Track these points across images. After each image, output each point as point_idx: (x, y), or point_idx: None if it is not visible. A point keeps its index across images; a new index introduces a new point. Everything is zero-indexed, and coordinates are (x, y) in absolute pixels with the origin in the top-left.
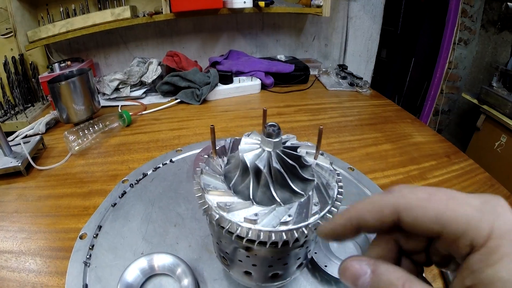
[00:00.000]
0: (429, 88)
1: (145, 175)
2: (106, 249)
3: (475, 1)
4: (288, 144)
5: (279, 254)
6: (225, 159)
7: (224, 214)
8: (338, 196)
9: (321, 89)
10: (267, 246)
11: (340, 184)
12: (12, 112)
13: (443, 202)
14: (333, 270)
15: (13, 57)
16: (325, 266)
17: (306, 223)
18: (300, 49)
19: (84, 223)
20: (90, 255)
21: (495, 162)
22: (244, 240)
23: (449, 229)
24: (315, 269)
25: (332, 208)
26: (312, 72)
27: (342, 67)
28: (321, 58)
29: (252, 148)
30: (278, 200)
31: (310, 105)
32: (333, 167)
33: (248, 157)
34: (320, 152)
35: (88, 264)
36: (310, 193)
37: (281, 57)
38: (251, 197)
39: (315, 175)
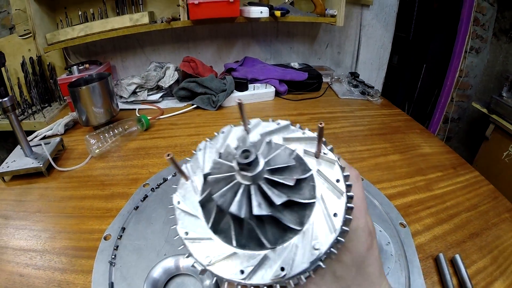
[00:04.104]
0: (440, 96)
1: (165, 180)
2: (130, 249)
3: (488, 10)
4: (273, 144)
5: None
6: (201, 178)
7: (209, 268)
8: (343, 227)
9: (333, 97)
10: None
11: (349, 205)
12: (30, 111)
13: None
14: None
15: (30, 58)
16: None
17: (304, 269)
18: (314, 57)
19: (108, 224)
20: (115, 255)
21: (503, 172)
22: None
23: None
24: None
25: (339, 238)
26: (324, 80)
27: (354, 75)
28: (334, 66)
29: (224, 180)
30: (268, 245)
31: (322, 114)
32: (342, 173)
33: (220, 200)
34: (324, 151)
35: (113, 264)
36: (308, 225)
37: (295, 64)
38: (233, 243)
39: (316, 190)
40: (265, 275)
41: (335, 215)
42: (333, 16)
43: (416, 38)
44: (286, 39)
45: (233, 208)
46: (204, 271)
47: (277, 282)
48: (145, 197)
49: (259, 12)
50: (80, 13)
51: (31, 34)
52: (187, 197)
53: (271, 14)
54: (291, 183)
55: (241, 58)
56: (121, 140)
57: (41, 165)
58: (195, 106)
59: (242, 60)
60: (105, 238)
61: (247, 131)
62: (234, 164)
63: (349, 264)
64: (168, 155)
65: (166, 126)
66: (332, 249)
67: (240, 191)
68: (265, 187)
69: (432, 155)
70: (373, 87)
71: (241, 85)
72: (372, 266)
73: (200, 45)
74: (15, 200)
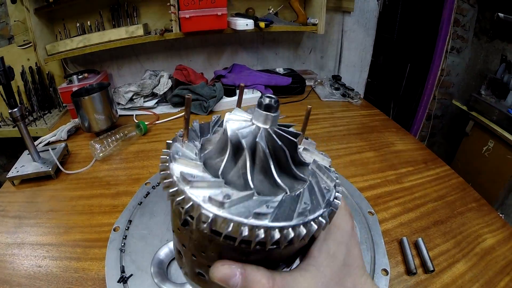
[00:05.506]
0: (422, 94)
1: None
2: (137, 238)
3: (469, 11)
4: None
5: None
6: (198, 144)
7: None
8: (335, 200)
9: (315, 100)
10: (236, 243)
11: (338, 189)
12: (31, 118)
13: None
14: None
15: (30, 67)
16: None
17: (322, 212)
18: (298, 61)
19: (116, 218)
20: (124, 243)
21: (482, 166)
22: (204, 228)
23: None
24: None
25: (331, 208)
26: (308, 83)
27: (336, 78)
28: (317, 69)
29: (242, 126)
30: (283, 186)
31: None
32: (323, 156)
33: (243, 134)
34: (305, 137)
35: (123, 251)
36: (311, 178)
37: (280, 69)
38: (250, 184)
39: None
40: (290, 214)
41: (330, 171)
42: (314, 24)
43: (400, 38)
44: (271, 45)
45: (259, 139)
46: (214, 221)
47: (303, 218)
48: (147, 194)
49: (244, 24)
50: (78, 24)
51: (30, 44)
52: (184, 154)
53: (256, 25)
54: (300, 132)
55: (230, 64)
56: (122, 144)
57: (50, 169)
58: None
59: (231, 67)
60: (114, 230)
61: None
62: (257, 108)
63: (340, 240)
64: (188, 95)
65: (162, 130)
66: (321, 218)
67: (259, 131)
68: (281, 131)
69: (405, 152)
70: (353, 90)
71: (230, 91)
72: (356, 249)
73: (192, 53)
74: (27, 201)
